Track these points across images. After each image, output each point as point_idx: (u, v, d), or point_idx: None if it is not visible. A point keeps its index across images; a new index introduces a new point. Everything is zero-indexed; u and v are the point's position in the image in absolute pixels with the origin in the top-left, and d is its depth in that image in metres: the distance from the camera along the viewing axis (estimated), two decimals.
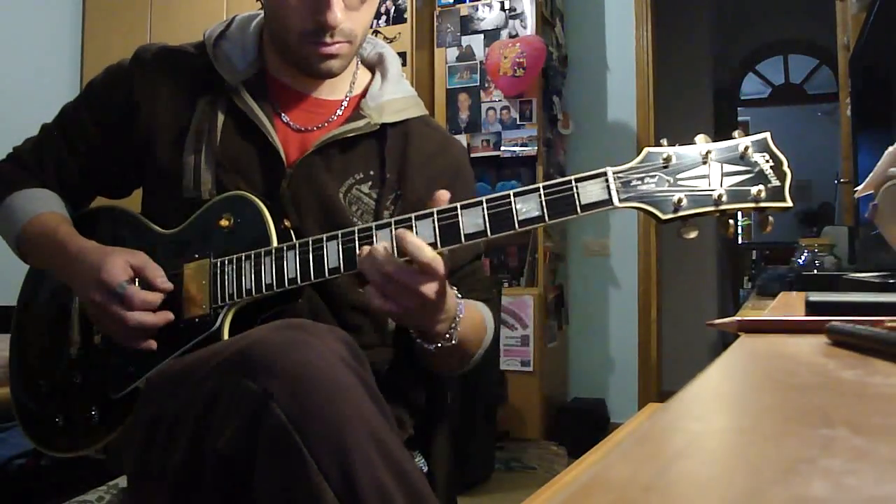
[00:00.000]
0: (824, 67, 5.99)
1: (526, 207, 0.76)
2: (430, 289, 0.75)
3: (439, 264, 0.75)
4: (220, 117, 0.96)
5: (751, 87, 6.47)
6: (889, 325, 0.46)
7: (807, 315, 0.65)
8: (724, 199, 0.71)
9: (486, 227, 0.76)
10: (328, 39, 0.90)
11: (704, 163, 0.72)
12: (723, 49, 5.48)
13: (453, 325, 0.84)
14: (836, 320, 0.49)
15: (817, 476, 0.20)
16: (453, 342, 0.84)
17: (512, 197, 0.76)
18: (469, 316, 0.88)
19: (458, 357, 0.93)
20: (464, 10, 3.17)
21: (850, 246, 1.89)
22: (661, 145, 0.74)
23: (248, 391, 0.63)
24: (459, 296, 0.87)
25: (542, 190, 0.75)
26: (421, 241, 0.75)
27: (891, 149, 0.78)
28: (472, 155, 3.06)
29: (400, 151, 1.00)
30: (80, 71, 3.53)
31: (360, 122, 0.97)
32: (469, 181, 1.07)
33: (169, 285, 0.88)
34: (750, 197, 0.71)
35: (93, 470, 0.97)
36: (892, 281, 0.97)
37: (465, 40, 3.17)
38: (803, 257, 1.79)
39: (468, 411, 2.40)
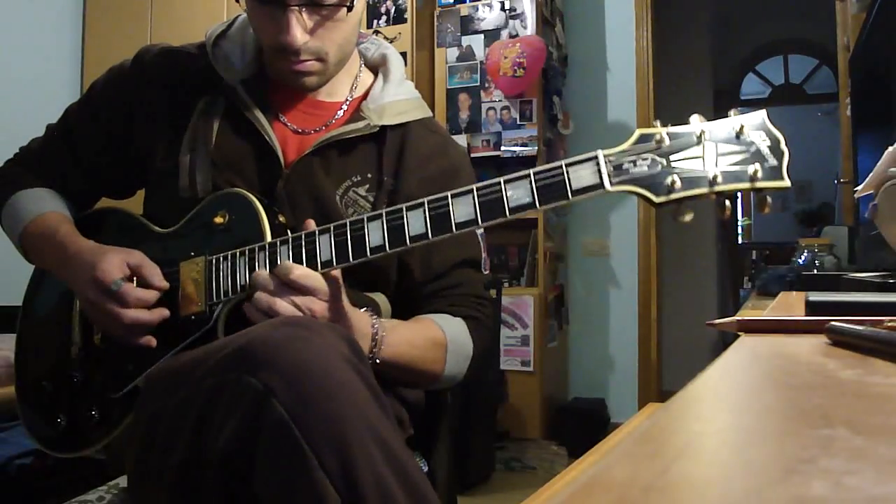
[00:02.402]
0: (824, 67, 5.98)
1: (517, 194, 0.75)
2: (307, 302, 0.79)
3: (309, 280, 0.78)
4: (218, 117, 0.96)
5: (751, 87, 6.47)
6: (889, 325, 0.46)
7: (807, 315, 0.65)
8: (720, 179, 0.69)
9: (476, 215, 0.76)
10: (293, 58, 0.91)
11: (699, 143, 0.70)
12: (723, 49, 5.48)
13: (373, 345, 0.85)
14: (836, 320, 0.49)
15: (817, 476, 0.20)
16: (377, 361, 0.85)
17: (502, 184, 0.75)
18: (407, 338, 0.89)
19: (404, 377, 0.92)
20: (464, 10, 3.17)
21: (850, 246, 1.89)
22: (654, 126, 0.72)
23: (248, 387, 0.63)
24: (375, 318, 0.87)
25: (532, 176, 0.74)
26: (290, 264, 0.79)
27: (891, 149, 0.78)
28: (472, 155, 3.05)
29: (397, 154, 0.99)
30: (81, 71, 3.53)
31: (360, 124, 0.97)
32: (467, 184, 1.06)
33: (165, 283, 0.89)
34: (746, 177, 0.69)
35: (93, 470, 0.97)
36: (892, 281, 0.97)
37: (466, 40, 3.17)
38: (803, 257, 1.79)
39: (468, 411, 2.40)
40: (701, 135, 0.70)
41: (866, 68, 1.71)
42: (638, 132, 0.73)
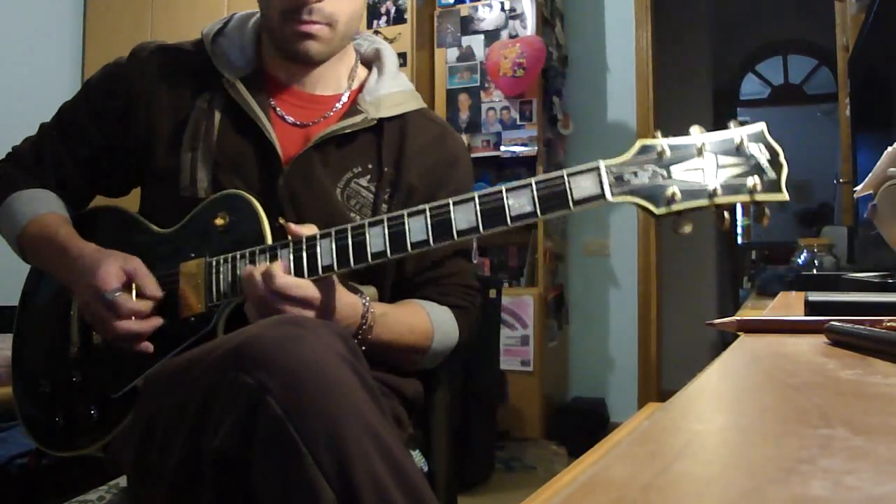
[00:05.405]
0: (824, 68, 5.98)
1: (518, 203, 0.75)
2: (295, 311, 0.80)
3: (294, 291, 0.79)
4: (217, 115, 0.96)
5: (750, 87, 6.46)
6: (888, 325, 0.46)
7: (806, 315, 0.65)
8: (719, 192, 0.70)
9: (478, 222, 0.76)
10: (305, 17, 0.90)
11: (699, 155, 0.71)
12: (723, 49, 5.48)
13: (359, 332, 0.87)
14: (835, 320, 0.49)
15: (817, 476, 0.20)
16: (363, 348, 0.86)
17: (504, 192, 0.76)
18: (394, 327, 0.91)
19: (393, 358, 0.95)
20: (464, 10, 3.17)
21: (850, 246, 1.89)
22: (655, 138, 0.73)
23: (244, 386, 0.63)
24: (366, 303, 0.88)
25: (534, 185, 0.75)
26: (282, 275, 0.79)
27: (890, 149, 0.78)
28: (473, 155, 3.05)
29: (397, 144, 1.00)
30: (82, 70, 3.53)
31: (358, 118, 0.97)
32: (465, 173, 1.06)
33: (159, 293, 0.89)
34: (745, 189, 0.70)
35: (93, 469, 0.97)
36: (891, 281, 0.97)
37: (466, 40, 3.17)
38: (803, 257, 1.79)
39: (468, 411, 2.40)
40: (701, 147, 0.72)
41: (865, 68, 1.71)
42: (639, 143, 0.74)
